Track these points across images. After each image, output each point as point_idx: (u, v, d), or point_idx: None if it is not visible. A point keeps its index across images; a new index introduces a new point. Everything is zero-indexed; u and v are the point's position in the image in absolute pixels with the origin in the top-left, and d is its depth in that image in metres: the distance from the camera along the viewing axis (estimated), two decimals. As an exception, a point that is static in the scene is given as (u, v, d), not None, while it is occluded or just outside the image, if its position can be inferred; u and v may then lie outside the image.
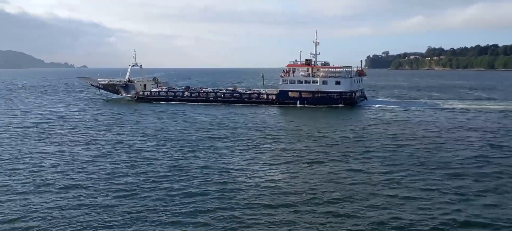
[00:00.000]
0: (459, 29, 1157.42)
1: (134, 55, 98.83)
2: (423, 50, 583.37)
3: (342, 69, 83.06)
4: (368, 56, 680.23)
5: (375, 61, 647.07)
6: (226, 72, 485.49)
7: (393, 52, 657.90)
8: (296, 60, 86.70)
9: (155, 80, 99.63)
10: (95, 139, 47.63)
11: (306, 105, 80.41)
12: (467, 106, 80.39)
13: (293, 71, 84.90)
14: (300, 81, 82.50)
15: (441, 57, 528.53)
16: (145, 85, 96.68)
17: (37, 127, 56.35)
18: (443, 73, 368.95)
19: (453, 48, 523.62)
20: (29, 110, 77.04)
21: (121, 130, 54.04)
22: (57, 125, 58.77)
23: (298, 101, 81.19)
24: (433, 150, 41.19)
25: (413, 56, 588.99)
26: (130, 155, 39.45)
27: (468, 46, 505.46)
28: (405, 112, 72.67)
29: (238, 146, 43.78)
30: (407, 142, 45.40)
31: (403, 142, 45.70)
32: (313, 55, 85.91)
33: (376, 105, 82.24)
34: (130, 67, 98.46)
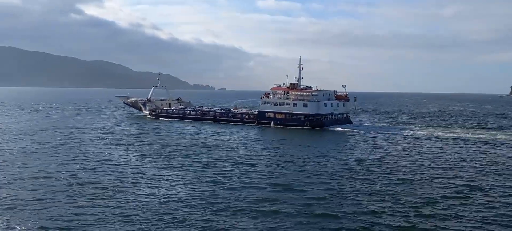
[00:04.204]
0: None
1: (158, 78, 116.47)
2: None
3: (309, 93, 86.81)
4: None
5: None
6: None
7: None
8: (284, 84, 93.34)
9: (179, 100, 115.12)
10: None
11: (278, 126, 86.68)
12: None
13: (274, 94, 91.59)
14: (276, 103, 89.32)
15: None
16: (170, 104, 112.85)
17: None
18: None
19: None
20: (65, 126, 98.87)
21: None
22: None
23: (272, 122, 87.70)
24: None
25: None
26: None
27: None
28: (370, 137, 72.69)
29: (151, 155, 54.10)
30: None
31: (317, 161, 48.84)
32: (297, 79, 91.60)
33: (349, 130, 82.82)
34: (153, 88, 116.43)
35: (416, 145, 63.87)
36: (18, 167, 43.38)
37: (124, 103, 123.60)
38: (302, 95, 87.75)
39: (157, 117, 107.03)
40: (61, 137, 67.97)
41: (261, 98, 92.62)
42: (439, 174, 42.59)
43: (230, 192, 34.10)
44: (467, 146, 63.67)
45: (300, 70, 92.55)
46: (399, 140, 69.42)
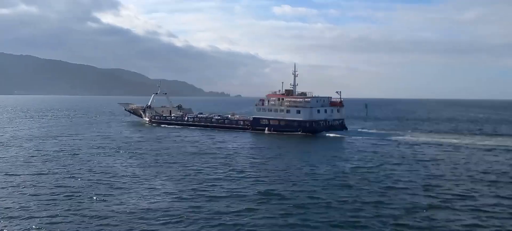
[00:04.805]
0: None
1: (158, 85, 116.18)
2: None
3: (302, 100, 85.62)
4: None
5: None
6: (359, 102, 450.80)
7: None
8: (279, 90, 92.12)
9: (179, 107, 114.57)
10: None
11: (273, 132, 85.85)
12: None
13: (268, 101, 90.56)
14: (270, 110, 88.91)
15: None
16: (170, 111, 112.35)
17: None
18: None
19: None
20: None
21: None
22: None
23: (266, 128, 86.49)
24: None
25: None
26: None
27: None
28: (365, 144, 71.44)
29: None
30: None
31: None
32: (292, 86, 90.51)
33: (343, 136, 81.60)
34: (153, 95, 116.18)
35: (415, 152, 61.87)
36: (7, 174, 43.20)
37: (126, 110, 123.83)
38: (295, 101, 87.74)
39: (156, 124, 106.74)
40: (60, 144, 68.32)
41: (256, 105, 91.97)
42: (430, 182, 41.04)
43: (212, 202, 33.30)
44: (468, 153, 61.36)
45: (295, 76, 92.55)
46: (397, 147, 67.45)
